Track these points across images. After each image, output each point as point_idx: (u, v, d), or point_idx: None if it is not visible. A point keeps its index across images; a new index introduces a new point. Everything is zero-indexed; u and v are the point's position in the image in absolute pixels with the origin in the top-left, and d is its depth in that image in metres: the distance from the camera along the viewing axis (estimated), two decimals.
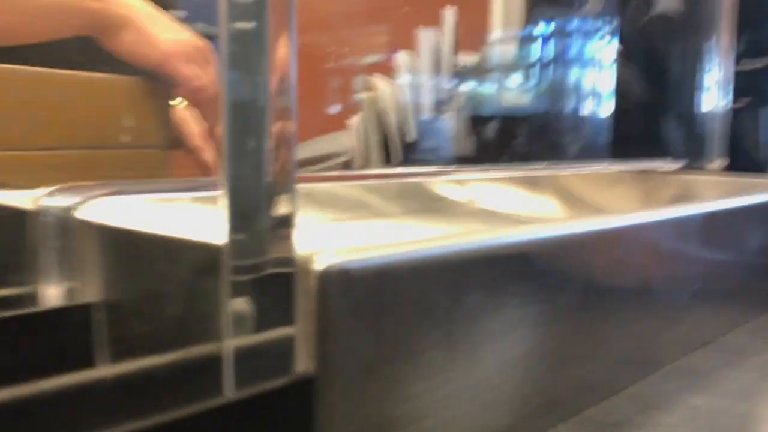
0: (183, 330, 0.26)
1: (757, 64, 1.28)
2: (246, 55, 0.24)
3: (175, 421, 0.19)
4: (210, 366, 0.23)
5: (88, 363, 0.27)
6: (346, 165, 1.31)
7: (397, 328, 0.25)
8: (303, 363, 0.23)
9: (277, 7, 0.24)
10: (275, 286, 0.24)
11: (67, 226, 0.32)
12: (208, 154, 1.38)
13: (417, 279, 0.26)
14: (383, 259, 0.25)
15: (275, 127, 0.24)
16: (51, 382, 0.21)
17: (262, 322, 0.24)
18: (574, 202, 0.89)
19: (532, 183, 0.94)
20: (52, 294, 0.32)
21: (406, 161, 1.22)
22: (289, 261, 0.23)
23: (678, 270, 0.44)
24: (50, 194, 0.32)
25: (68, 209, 0.31)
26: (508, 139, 1.22)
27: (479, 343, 0.29)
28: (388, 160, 1.25)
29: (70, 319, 0.29)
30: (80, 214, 0.31)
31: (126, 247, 0.29)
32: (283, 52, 0.25)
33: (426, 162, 1.23)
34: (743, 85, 1.18)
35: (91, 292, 0.31)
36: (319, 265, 0.23)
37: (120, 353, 0.28)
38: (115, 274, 0.30)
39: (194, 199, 0.39)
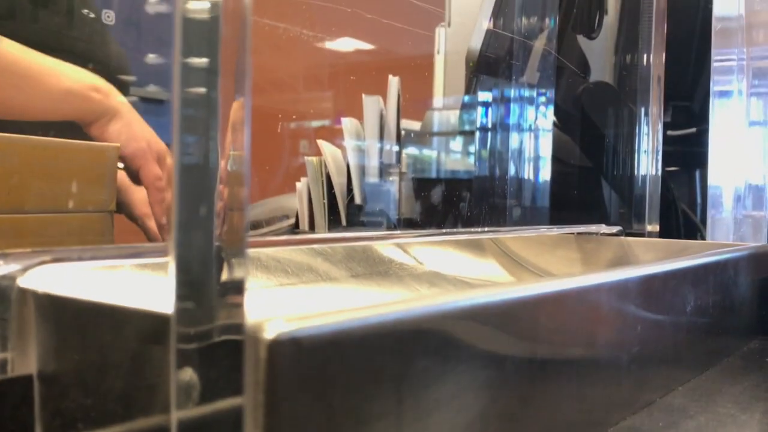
0: (128, 402, 0.26)
1: (687, 130, 1.34)
2: (198, 119, 0.24)
3: None
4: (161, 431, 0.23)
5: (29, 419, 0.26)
6: (293, 228, 1.30)
7: (347, 398, 0.25)
8: (251, 428, 0.23)
9: (230, 71, 0.25)
10: (224, 355, 0.24)
11: (6, 294, 0.31)
12: (153, 221, 1.38)
13: (368, 346, 0.26)
14: (334, 327, 0.25)
15: (227, 192, 0.24)
16: None
17: (210, 393, 0.24)
18: (517, 264, 0.91)
19: (476, 246, 0.96)
20: None
21: (352, 224, 1.23)
22: (239, 329, 0.23)
23: (619, 332, 0.45)
24: None
25: (8, 277, 0.31)
26: (452, 202, 1.24)
27: (428, 409, 0.29)
28: (334, 222, 1.26)
29: (9, 392, 0.28)
30: (21, 282, 0.30)
31: (68, 317, 0.29)
32: (237, 116, 0.25)
33: (372, 224, 1.24)
34: (673, 151, 1.24)
35: (31, 364, 0.30)
36: (268, 334, 0.23)
37: (62, 427, 0.27)
38: (57, 344, 0.29)
39: (140, 266, 0.38)
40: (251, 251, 0.64)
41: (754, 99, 0.86)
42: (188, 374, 0.24)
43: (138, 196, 1.35)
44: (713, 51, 0.86)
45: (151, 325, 0.25)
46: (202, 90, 0.24)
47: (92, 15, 1.22)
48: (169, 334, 0.24)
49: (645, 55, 0.99)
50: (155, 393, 0.24)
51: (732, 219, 0.84)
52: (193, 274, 0.24)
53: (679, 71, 1.25)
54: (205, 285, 0.24)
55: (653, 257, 0.82)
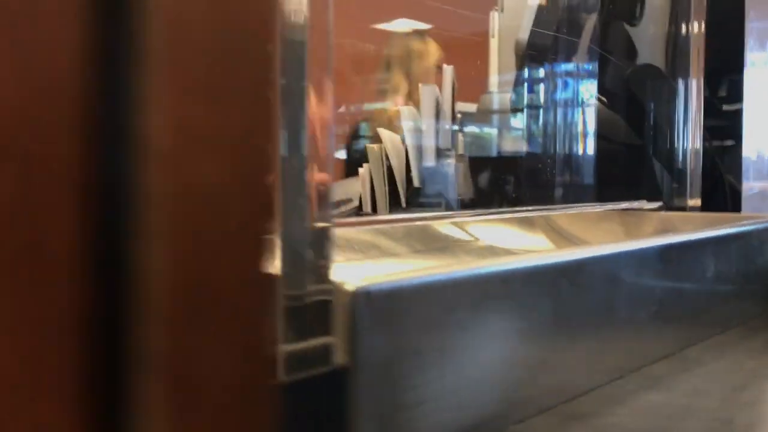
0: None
1: (737, 106, 1.38)
2: (292, 114, 0.34)
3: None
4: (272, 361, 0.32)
5: None
6: (357, 210, 1.40)
7: (405, 335, 0.35)
8: (339, 358, 0.32)
9: (316, 65, 0.34)
10: (318, 307, 0.33)
11: None
12: None
13: (419, 298, 0.35)
14: (394, 284, 0.34)
15: (315, 180, 0.34)
16: None
17: (310, 333, 0.33)
18: (564, 238, 0.98)
19: (526, 222, 1.03)
20: None
21: (412, 206, 1.32)
22: (328, 288, 0.33)
23: (637, 294, 0.53)
24: None
25: None
26: (504, 181, 1.31)
27: (467, 348, 0.38)
28: (394, 205, 1.35)
29: None
30: None
31: None
32: (324, 110, 0.34)
33: (430, 206, 1.33)
34: (725, 127, 1.28)
35: None
36: (349, 287, 0.33)
37: None
38: None
39: None
40: None
41: None
42: (293, 323, 0.34)
43: None
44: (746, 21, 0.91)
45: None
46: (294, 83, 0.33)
47: None
48: (278, 293, 0.33)
49: (686, 27, 1.04)
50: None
51: (756, 192, 0.89)
52: (295, 249, 0.33)
53: (733, 44, 1.29)
54: (303, 256, 0.33)
55: (690, 229, 0.88)
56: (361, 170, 1.36)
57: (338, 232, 0.80)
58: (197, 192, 0.11)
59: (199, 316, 0.11)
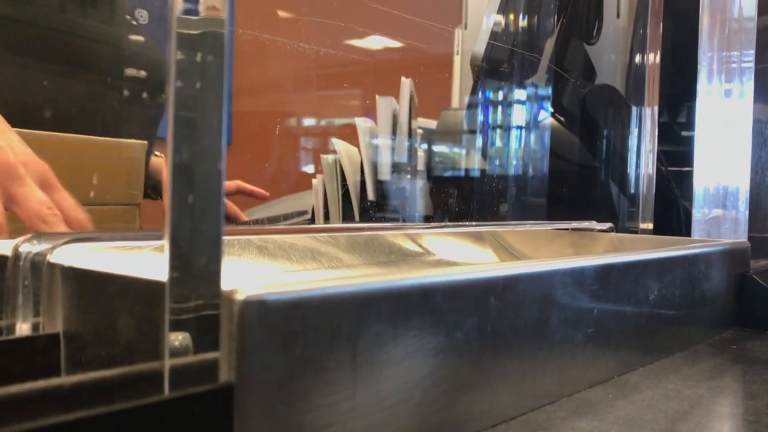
0: (132, 352, 0.32)
1: (691, 132, 1.38)
2: (188, 122, 0.31)
3: (125, 411, 0.25)
4: (153, 377, 0.29)
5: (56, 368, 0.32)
6: (310, 222, 1.37)
7: (308, 350, 0.31)
8: (225, 374, 0.29)
9: (211, 72, 0.31)
10: (204, 317, 0.30)
11: (38, 268, 0.37)
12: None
13: (326, 310, 0.32)
14: (295, 294, 0.31)
15: (208, 185, 0.31)
16: (20, 387, 0.27)
17: (195, 345, 0.30)
18: (512, 255, 0.96)
19: (476, 238, 1.01)
20: (25, 327, 0.37)
21: (365, 219, 1.29)
22: (216, 295, 0.30)
23: (575, 313, 0.50)
24: (25, 241, 0.38)
25: (40, 254, 0.37)
26: (458, 197, 1.29)
27: (381, 366, 0.35)
28: (348, 218, 1.32)
29: (39, 347, 0.35)
30: (50, 258, 0.37)
31: (86, 285, 0.35)
32: (216, 120, 0.31)
33: (384, 219, 1.30)
34: (683, 153, 1.28)
35: (58, 324, 0.36)
36: (240, 296, 0.29)
37: (81, 372, 0.34)
38: (78, 307, 0.36)
39: (157, 248, 0.45)
40: (259, 239, 0.71)
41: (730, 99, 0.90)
42: (176, 334, 0.30)
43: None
44: (699, 51, 0.91)
45: (150, 290, 0.31)
46: (190, 93, 0.30)
47: (134, 22, 1.28)
48: (164, 297, 0.30)
49: (641, 56, 1.03)
50: (153, 346, 0.30)
51: (709, 218, 0.88)
52: (183, 251, 0.30)
53: (689, 72, 1.29)
54: (191, 260, 0.30)
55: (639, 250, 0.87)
56: (314, 181, 1.33)
57: (276, 239, 0.77)
58: None
59: None
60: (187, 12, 0.31)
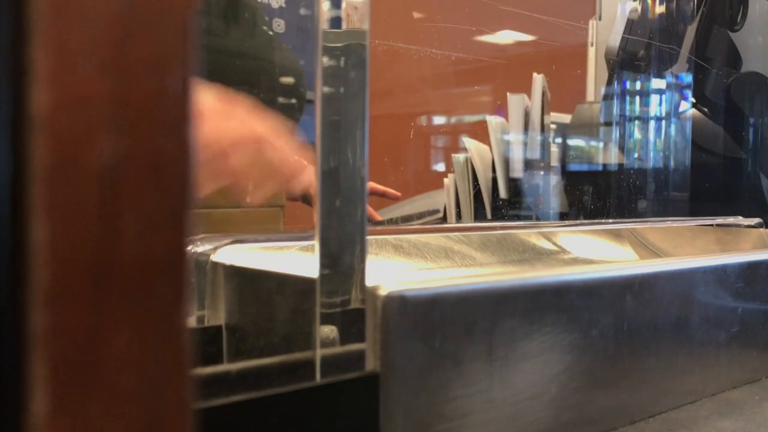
0: (287, 343, 0.35)
1: None
2: (334, 132, 0.33)
3: (282, 395, 0.28)
4: (306, 365, 0.32)
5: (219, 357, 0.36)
6: (442, 221, 1.39)
7: (445, 342, 0.33)
8: (370, 364, 0.32)
9: (354, 83, 0.33)
10: (351, 311, 0.33)
11: (202, 267, 0.42)
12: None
13: (462, 305, 0.34)
14: (433, 290, 0.33)
15: (353, 190, 0.33)
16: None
17: (342, 339, 0.33)
18: (654, 252, 0.93)
19: (616, 235, 0.99)
20: (191, 320, 0.41)
21: (497, 218, 1.29)
22: (362, 291, 0.32)
23: (717, 313, 0.49)
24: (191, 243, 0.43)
25: (204, 254, 0.41)
26: (592, 194, 1.27)
27: (517, 360, 0.36)
28: (480, 217, 1.33)
29: (204, 338, 0.39)
30: (213, 257, 0.41)
31: (246, 282, 0.39)
32: (360, 129, 0.34)
33: (516, 218, 1.30)
34: None
35: (220, 317, 0.40)
36: (383, 292, 0.32)
37: (243, 360, 0.37)
38: (238, 302, 0.39)
39: (303, 247, 0.48)
40: (395, 238, 0.74)
41: None
42: (326, 327, 0.33)
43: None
44: None
45: (302, 286, 0.34)
46: (335, 113, 0.33)
47: (270, 32, 1.36)
48: (315, 292, 0.33)
49: None
50: (305, 337, 0.33)
51: None
52: (331, 250, 0.33)
53: None
54: (338, 258, 0.33)
55: None
56: (446, 180, 1.34)
57: (411, 238, 0.79)
58: (84, 164, 0.10)
59: (89, 294, 0.10)
60: (332, 25, 0.33)
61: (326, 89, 0.33)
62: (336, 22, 0.34)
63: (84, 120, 0.10)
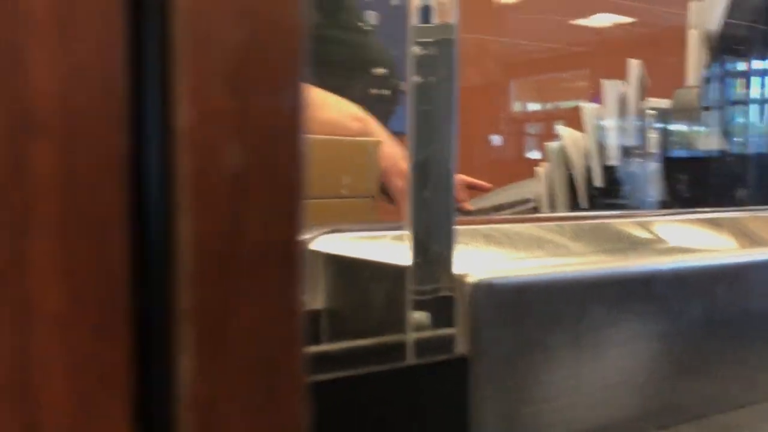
0: (382, 326, 0.37)
1: None
2: (424, 126, 0.35)
3: (376, 373, 0.30)
4: (398, 347, 0.34)
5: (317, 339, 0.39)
6: (534, 211, 1.38)
7: (532, 329, 0.35)
8: (460, 347, 0.33)
9: (442, 77, 0.35)
10: (440, 298, 0.34)
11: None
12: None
13: (546, 294, 0.35)
14: (521, 278, 0.34)
15: (442, 181, 0.35)
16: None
17: (432, 324, 0.35)
18: (756, 242, 0.90)
19: (715, 224, 0.96)
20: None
21: (592, 207, 1.28)
22: (450, 279, 0.34)
23: None
24: None
25: (305, 242, 0.44)
26: (692, 181, 1.23)
27: (605, 347, 0.37)
28: (574, 206, 1.31)
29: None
30: (311, 246, 0.44)
31: (342, 270, 0.42)
32: (447, 124, 0.35)
33: (611, 207, 1.28)
34: None
35: (318, 302, 0.43)
36: (471, 279, 0.33)
37: (337, 340, 0.40)
38: (335, 288, 0.42)
39: (396, 237, 0.50)
40: (487, 228, 0.75)
41: None
42: (418, 313, 0.35)
43: (397, 183, 1.52)
44: None
45: (395, 274, 0.36)
46: (427, 107, 0.35)
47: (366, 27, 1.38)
48: (406, 279, 0.35)
49: None
50: (398, 321, 0.35)
51: None
52: (421, 240, 0.35)
53: None
54: (428, 248, 0.34)
55: None
56: (538, 169, 1.34)
57: (502, 228, 0.80)
58: (219, 169, 0.12)
59: (223, 277, 0.12)
60: (422, 19, 0.35)
61: (417, 81, 0.35)
62: (425, 16, 0.35)
63: (216, 132, 0.12)
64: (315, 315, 0.43)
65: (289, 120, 0.13)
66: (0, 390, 0.11)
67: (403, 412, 0.33)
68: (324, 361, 0.35)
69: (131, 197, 0.12)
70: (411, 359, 0.34)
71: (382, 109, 1.36)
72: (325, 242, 0.44)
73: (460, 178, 1.63)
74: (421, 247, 0.35)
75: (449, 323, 0.34)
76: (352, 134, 0.88)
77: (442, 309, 0.34)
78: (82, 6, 0.12)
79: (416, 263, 0.34)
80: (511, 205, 1.55)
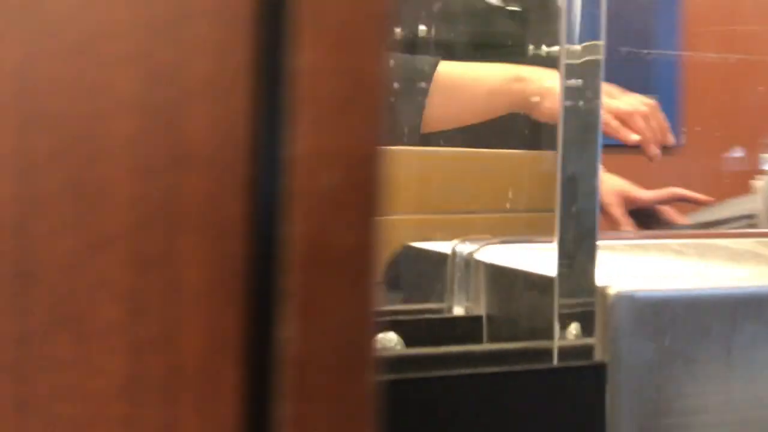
0: (532, 330, 0.40)
1: None
2: (573, 142, 0.37)
3: (525, 371, 0.33)
4: (545, 352, 0.37)
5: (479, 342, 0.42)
6: (752, 227, 1.29)
7: (675, 342, 0.36)
8: (599, 355, 0.35)
9: (588, 96, 0.37)
10: (583, 308, 0.36)
11: (469, 264, 0.48)
12: (617, 209, 1.51)
13: (695, 308, 0.36)
14: (664, 293, 0.36)
15: (588, 197, 0.37)
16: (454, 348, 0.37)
17: (576, 332, 0.37)
18: None
19: None
20: (458, 309, 0.48)
21: None
22: (591, 290, 0.36)
23: None
24: (460, 243, 0.49)
25: (470, 253, 0.48)
26: None
27: (758, 365, 0.37)
28: None
29: (466, 324, 0.45)
30: (477, 256, 0.47)
31: (498, 278, 0.45)
32: (592, 143, 0.37)
33: None
34: None
35: (481, 309, 0.46)
36: (612, 291, 0.35)
37: (495, 341, 0.43)
38: (499, 295, 0.45)
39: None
40: (678, 243, 0.73)
41: None
42: (563, 317, 0.37)
43: (604, 188, 1.49)
44: None
45: (543, 284, 0.39)
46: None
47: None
48: (553, 290, 0.37)
49: None
50: (546, 327, 0.38)
51: None
52: (568, 252, 0.37)
53: None
54: (573, 259, 0.37)
55: None
56: (756, 183, 1.25)
57: (698, 242, 0.77)
58: (318, 192, 0.17)
59: (319, 268, 0.17)
60: (569, 40, 0.38)
61: (566, 105, 0.37)
62: (572, 36, 0.38)
63: (318, 159, 0.17)
64: (477, 320, 0.46)
65: (370, 151, 0.17)
66: (151, 341, 0.17)
67: (543, 411, 0.35)
68: (484, 357, 0.39)
69: (250, 208, 0.17)
70: (555, 362, 0.37)
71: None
72: (488, 252, 0.47)
73: (673, 191, 1.56)
74: (566, 259, 0.37)
75: (590, 332, 0.36)
76: (513, 98, 0.86)
77: (584, 318, 0.36)
78: (223, 86, 0.17)
79: (561, 274, 0.37)
80: (728, 221, 1.46)
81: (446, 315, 0.47)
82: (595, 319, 0.36)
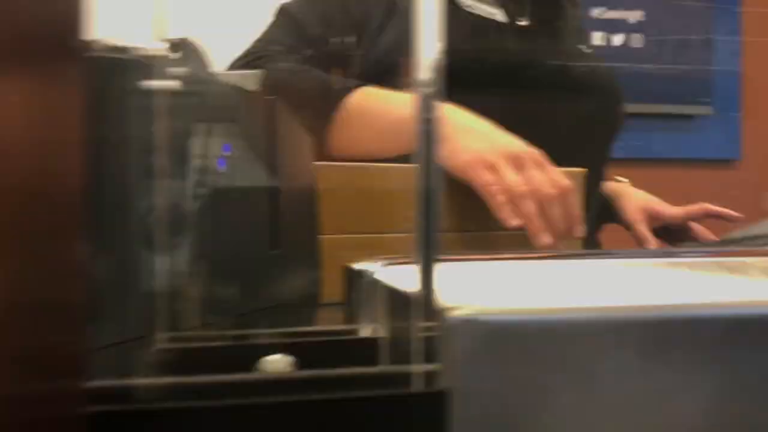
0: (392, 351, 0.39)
1: None
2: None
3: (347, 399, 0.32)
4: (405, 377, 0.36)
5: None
6: None
7: (526, 370, 0.34)
8: (444, 382, 0.34)
9: None
10: (429, 332, 0.35)
11: (374, 284, 0.47)
12: (643, 226, 1.46)
13: (539, 335, 0.34)
14: (507, 317, 0.34)
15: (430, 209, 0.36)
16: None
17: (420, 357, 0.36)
18: None
19: None
20: (364, 331, 0.47)
21: None
22: (436, 314, 0.35)
23: None
24: (368, 263, 0.49)
25: (372, 273, 0.47)
26: None
27: (607, 392, 0.35)
28: None
29: (367, 345, 0.45)
30: (375, 275, 0.47)
31: (385, 298, 0.44)
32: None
33: None
34: None
35: (379, 331, 0.45)
36: (454, 315, 0.34)
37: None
38: (390, 317, 0.44)
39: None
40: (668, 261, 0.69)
41: None
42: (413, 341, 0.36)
43: (631, 204, 1.43)
44: None
45: (405, 303, 0.38)
46: None
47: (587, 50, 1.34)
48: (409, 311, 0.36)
49: None
50: (403, 350, 0.37)
51: None
52: (422, 272, 0.36)
53: None
54: (425, 280, 0.36)
55: None
56: None
57: (709, 260, 0.73)
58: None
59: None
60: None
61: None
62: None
63: None
64: (373, 342, 0.45)
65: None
66: None
67: None
68: (354, 383, 0.38)
69: None
70: (391, 389, 0.35)
71: (603, 133, 1.31)
72: (385, 271, 0.46)
73: (704, 207, 1.50)
74: (423, 279, 0.36)
75: (435, 358, 0.35)
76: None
77: (430, 343, 0.35)
78: None
79: (414, 295, 0.36)
80: (757, 237, 1.39)
81: (343, 337, 0.46)
82: (440, 343, 0.34)
